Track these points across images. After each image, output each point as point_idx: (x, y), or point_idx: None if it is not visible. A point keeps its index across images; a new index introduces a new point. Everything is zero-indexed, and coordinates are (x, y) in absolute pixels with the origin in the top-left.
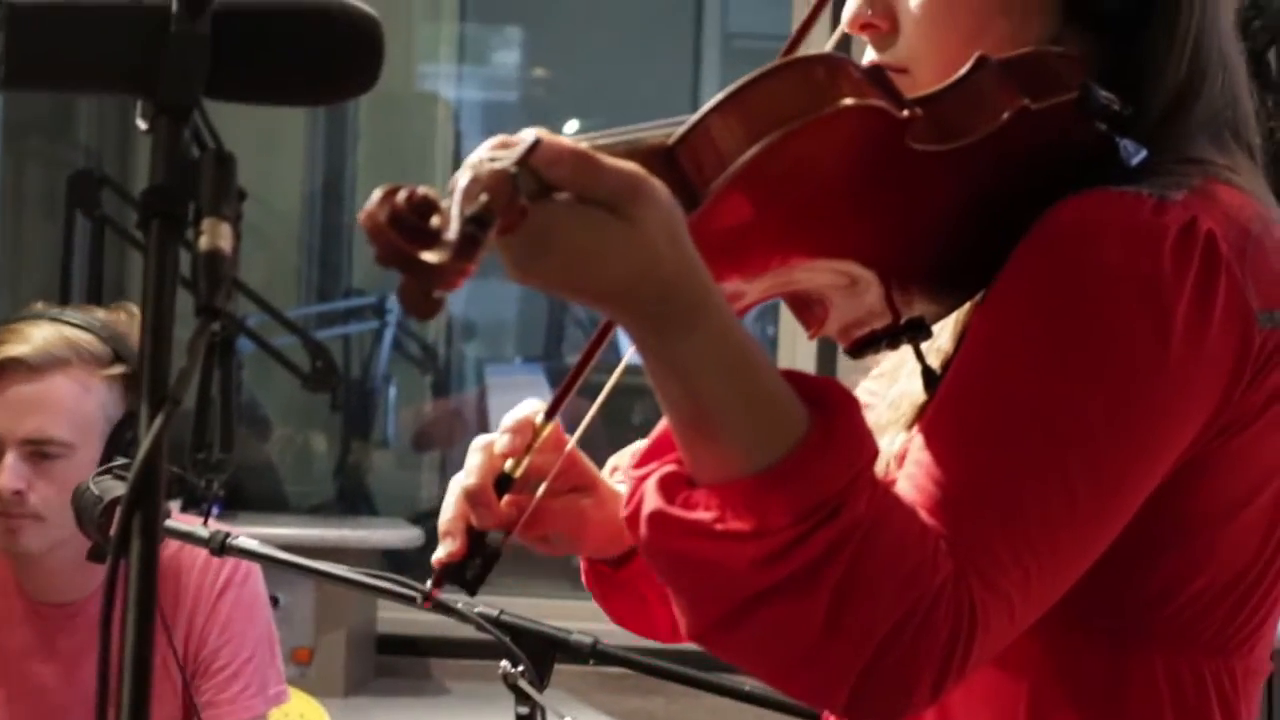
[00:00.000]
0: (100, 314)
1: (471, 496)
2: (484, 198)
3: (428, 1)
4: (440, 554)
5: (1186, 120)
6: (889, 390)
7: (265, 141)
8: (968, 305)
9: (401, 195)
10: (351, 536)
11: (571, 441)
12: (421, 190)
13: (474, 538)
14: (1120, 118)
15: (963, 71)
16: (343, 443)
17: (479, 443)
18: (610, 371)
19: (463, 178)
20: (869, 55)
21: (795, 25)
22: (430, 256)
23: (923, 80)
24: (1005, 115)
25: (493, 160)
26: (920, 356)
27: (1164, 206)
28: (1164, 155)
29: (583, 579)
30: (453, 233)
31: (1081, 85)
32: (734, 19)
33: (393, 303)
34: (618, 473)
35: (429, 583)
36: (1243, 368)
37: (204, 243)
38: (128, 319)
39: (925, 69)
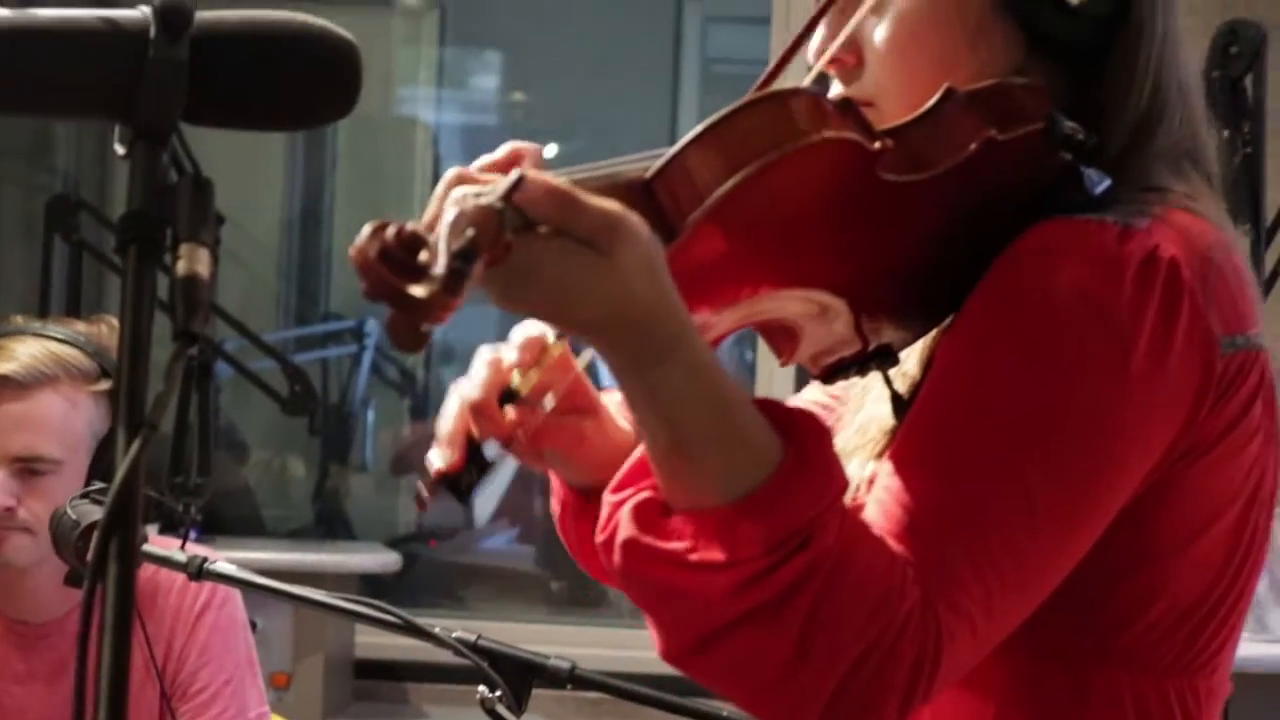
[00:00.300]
0: (81, 327)
1: (475, 408)
2: (470, 233)
3: (407, 26)
4: (438, 463)
5: (1147, 150)
6: (856, 415)
7: (244, 165)
8: (934, 332)
9: (390, 231)
10: (329, 561)
11: (580, 363)
12: (410, 226)
13: (471, 447)
14: (1084, 148)
15: (931, 103)
16: (321, 467)
17: (486, 354)
18: None
19: (448, 213)
20: (835, 89)
21: (774, 50)
22: (418, 290)
23: (889, 113)
24: (973, 146)
25: (478, 196)
26: (889, 383)
27: (1128, 234)
28: (1126, 184)
29: (557, 525)
30: (440, 267)
31: (1047, 116)
32: (713, 44)
33: (371, 327)
34: (614, 404)
35: (423, 487)
36: (1205, 393)
37: (181, 268)
38: (109, 331)
39: (891, 102)
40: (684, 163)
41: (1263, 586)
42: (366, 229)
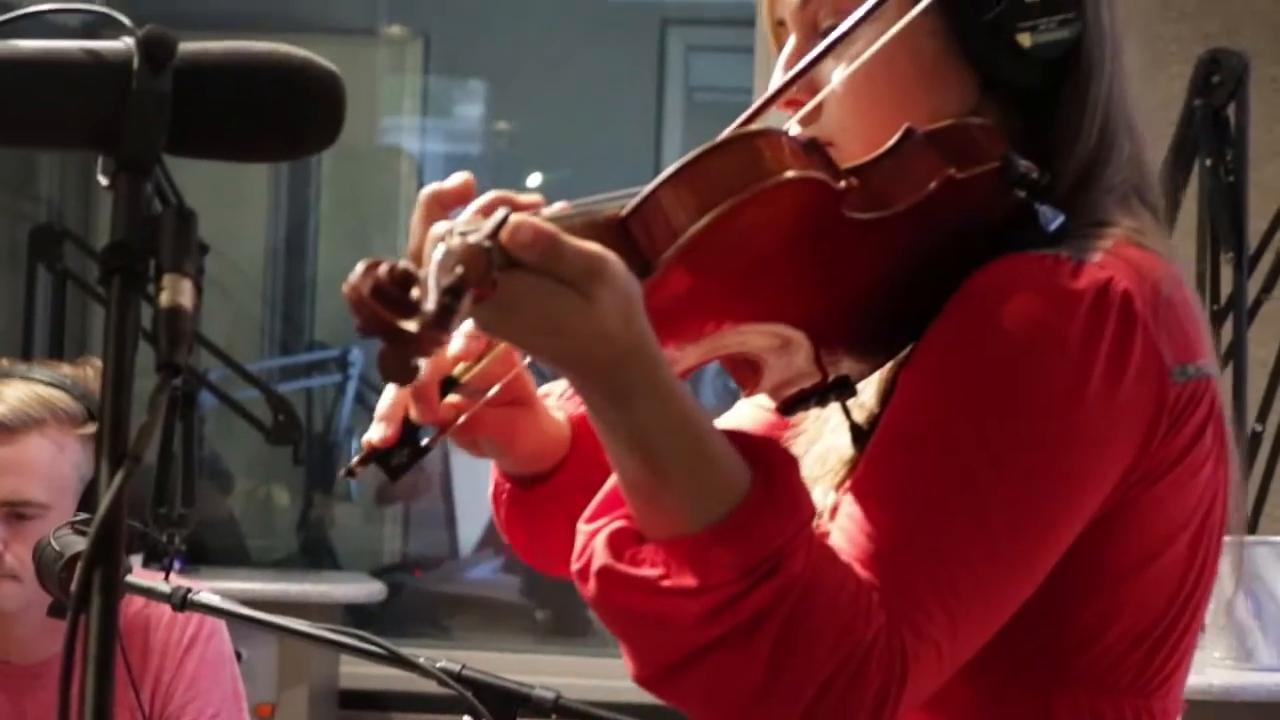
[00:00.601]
0: (67, 369)
1: (415, 391)
2: (459, 270)
3: (391, 55)
4: (373, 436)
5: (1097, 186)
6: (814, 445)
7: (228, 194)
8: (891, 363)
9: (383, 268)
10: (314, 591)
11: (524, 361)
12: (402, 264)
13: (408, 429)
14: (1038, 185)
15: (892, 142)
16: (305, 496)
17: None
18: None
19: (437, 250)
20: (793, 129)
21: (756, 79)
22: (410, 325)
23: (848, 153)
24: (933, 184)
25: (464, 234)
26: (848, 413)
27: (1081, 268)
28: (1077, 219)
29: (491, 503)
30: (431, 303)
31: (1003, 156)
32: (696, 73)
33: (355, 356)
34: (550, 397)
35: (354, 459)
36: (1158, 421)
37: (165, 299)
38: (94, 374)
39: (850, 141)
40: (658, 201)
41: (1248, 616)
42: (360, 266)
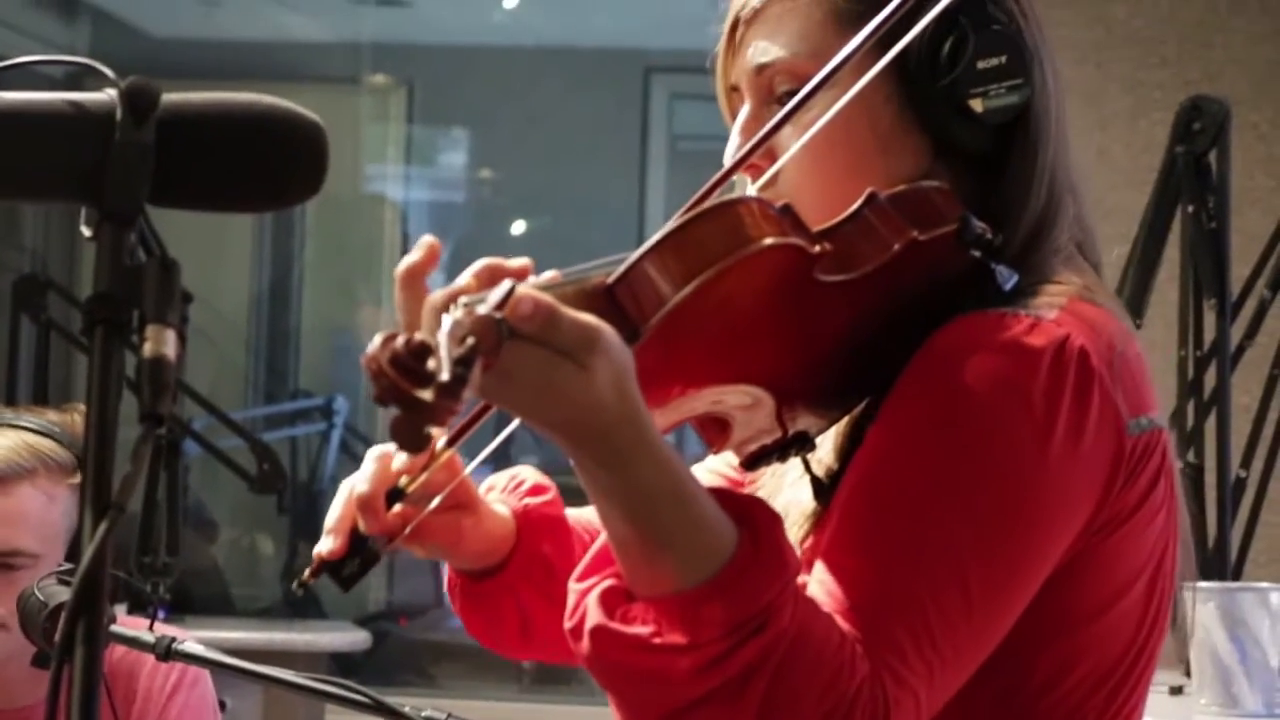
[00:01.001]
0: (53, 416)
1: (362, 503)
2: (471, 341)
3: (375, 104)
4: (322, 549)
5: (1045, 246)
6: (775, 499)
7: (212, 243)
8: (846, 418)
9: (400, 340)
10: (299, 640)
11: (468, 469)
12: (418, 337)
13: (356, 539)
14: (992, 245)
15: (856, 206)
16: (290, 545)
17: (376, 451)
18: None
19: (445, 321)
20: (750, 193)
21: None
22: (426, 394)
23: (805, 217)
24: (896, 246)
25: (469, 306)
26: (809, 467)
27: (1038, 325)
28: (1029, 278)
29: (446, 589)
30: (445, 374)
31: (960, 217)
32: (679, 121)
33: (340, 404)
34: (493, 491)
35: (305, 571)
36: (1117, 471)
37: (148, 350)
38: (81, 420)
39: (806, 206)
40: (644, 269)
41: (1234, 662)
42: (377, 338)
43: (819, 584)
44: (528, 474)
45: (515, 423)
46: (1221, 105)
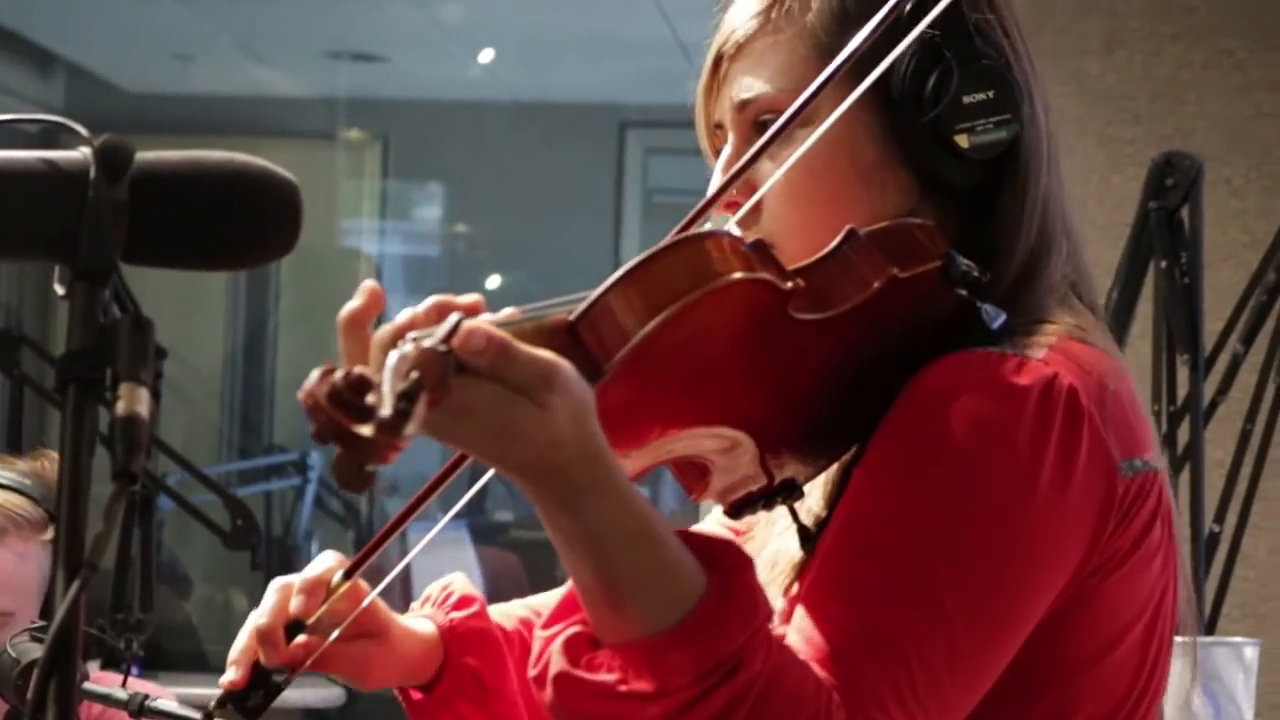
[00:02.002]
0: (22, 465)
1: (261, 636)
2: (414, 375)
3: (350, 159)
4: (224, 679)
5: (1037, 284)
6: (764, 549)
7: (186, 297)
8: (836, 465)
9: (339, 374)
10: None
11: (370, 596)
12: (358, 369)
13: (259, 671)
14: (979, 284)
15: (835, 243)
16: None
17: (278, 583)
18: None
19: (391, 356)
20: (734, 233)
21: (713, 182)
22: (365, 430)
23: (787, 254)
24: (876, 284)
25: (418, 339)
26: (795, 516)
27: (1025, 364)
28: (1019, 317)
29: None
30: (386, 409)
31: (945, 255)
32: (654, 176)
33: (314, 459)
34: (427, 604)
35: (213, 702)
36: (1109, 514)
37: (121, 408)
38: (50, 467)
39: (789, 243)
40: (607, 305)
41: (1207, 715)
42: (315, 372)
43: (797, 631)
44: (456, 585)
45: (489, 474)
46: (1194, 161)
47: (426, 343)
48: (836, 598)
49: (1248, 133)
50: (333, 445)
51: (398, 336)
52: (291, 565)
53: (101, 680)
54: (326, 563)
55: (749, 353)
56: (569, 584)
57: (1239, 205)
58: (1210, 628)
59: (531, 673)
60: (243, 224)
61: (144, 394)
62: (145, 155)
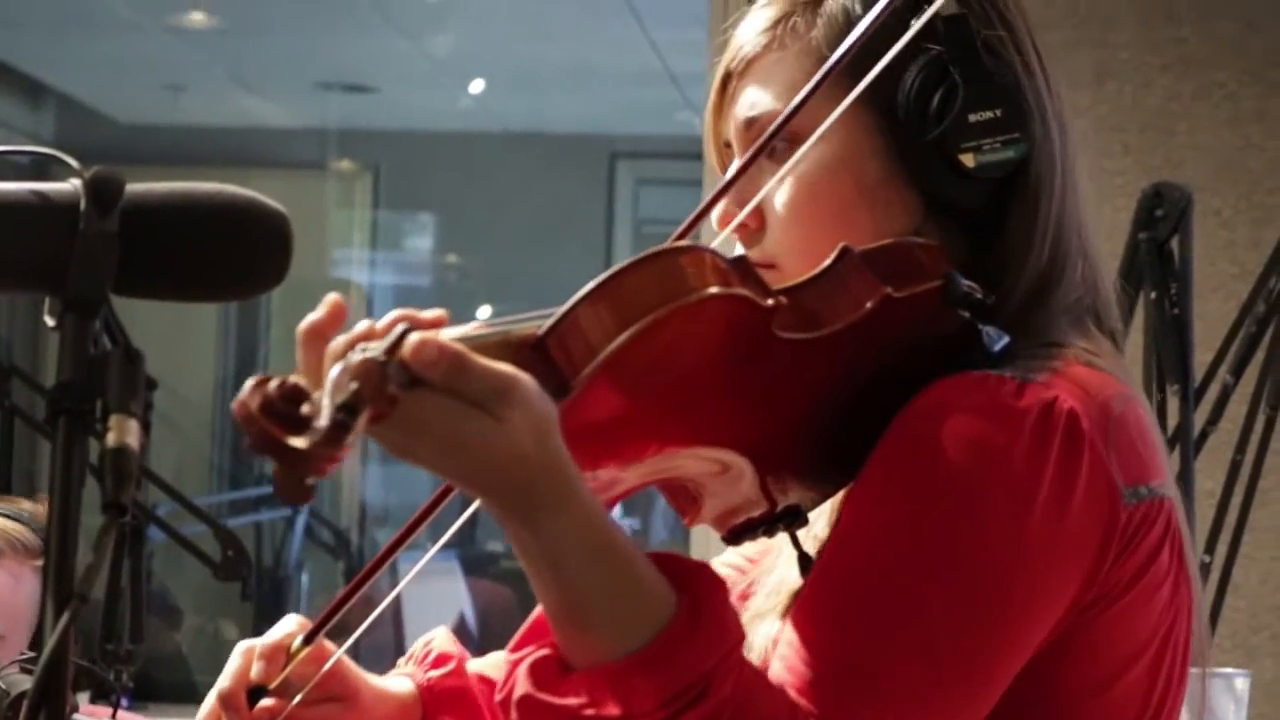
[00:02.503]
0: (27, 505)
1: (223, 699)
2: (353, 386)
3: (341, 189)
4: None
5: (1048, 306)
6: (768, 575)
7: (177, 328)
8: (843, 491)
9: (273, 384)
10: None
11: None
12: (292, 379)
13: None
14: (983, 306)
15: (828, 262)
16: (255, 631)
17: (241, 647)
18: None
19: (334, 368)
20: (739, 252)
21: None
22: (299, 442)
23: (791, 273)
24: (869, 304)
25: (364, 351)
26: (797, 543)
27: (1025, 387)
28: (1027, 340)
29: None
30: (323, 420)
31: (945, 275)
32: (645, 206)
33: None
34: (410, 662)
35: None
36: (1109, 543)
37: (111, 439)
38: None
39: (793, 262)
40: (576, 319)
41: None
42: (250, 382)
43: (780, 658)
44: (437, 642)
45: (474, 505)
46: (1183, 192)
47: (369, 353)
48: (820, 624)
49: (1237, 164)
50: (267, 459)
51: (349, 348)
52: (282, 596)
53: (91, 712)
54: (287, 627)
55: (732, 371)
56: (539, 607)
57: (1228, 236)
58: None
59: (498, 696)
60: (233, 256)
61: (134, 425)
62: (135, 187)
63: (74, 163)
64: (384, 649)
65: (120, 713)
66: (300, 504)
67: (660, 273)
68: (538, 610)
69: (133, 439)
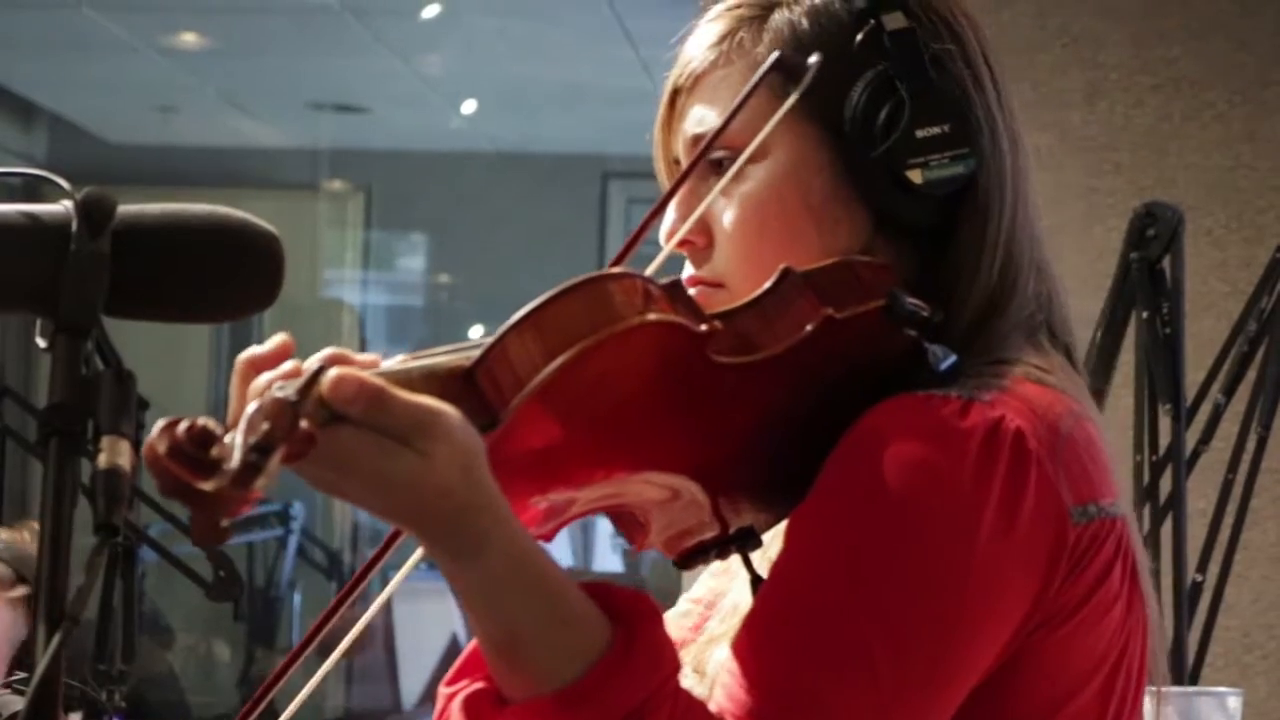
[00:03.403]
0: (3, 534)
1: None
2: (265, 426)
3: (333, 209)
4: None
5: (999, 323)
6: (723, 600)
7: (169, 348)
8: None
9: (181, 427)
10: None
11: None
12: (201, 421)
13: None
14: (930, 324)
15: (768, 284)
16: (247, 651)
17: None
18: None
19: (249, 406)
20: (688, 270)
21: None
22: (208, 485)
23: (739, 293)
24: (809, 326)
25: (279, 390)
26: (749, 566)
27: (970, 407)
28: (977, 357)
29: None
30: (234, 461)
31: (889, 294)
32: (636, 225)
33: (297, 510)
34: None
35: None
36: (1057, 563)
37: (103, 461)
38: (30, 538)
39: (740, 282)
40: (504, 350)
41: None
42: (159, 425)
43: (721, 686)
44: None
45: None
46: (1175, 211)
47: (280, 393)
48: (760, 652)
49: (1229, 183)
50: (178, 502)
51: (268, 388)
52: (274, 616)
53: None
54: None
55: (671, 397)
56: (474, 641)
57: (1220, 256)
58: (1194, 677)
59: None
60: (224, 277)
61: (126, 446)
62: (127, 208)
63: (65, 184)
64: (377, 669)
65: None
66: (215, 545)
67: (589, 300)
68: (473, 643)
69: (125, 460)
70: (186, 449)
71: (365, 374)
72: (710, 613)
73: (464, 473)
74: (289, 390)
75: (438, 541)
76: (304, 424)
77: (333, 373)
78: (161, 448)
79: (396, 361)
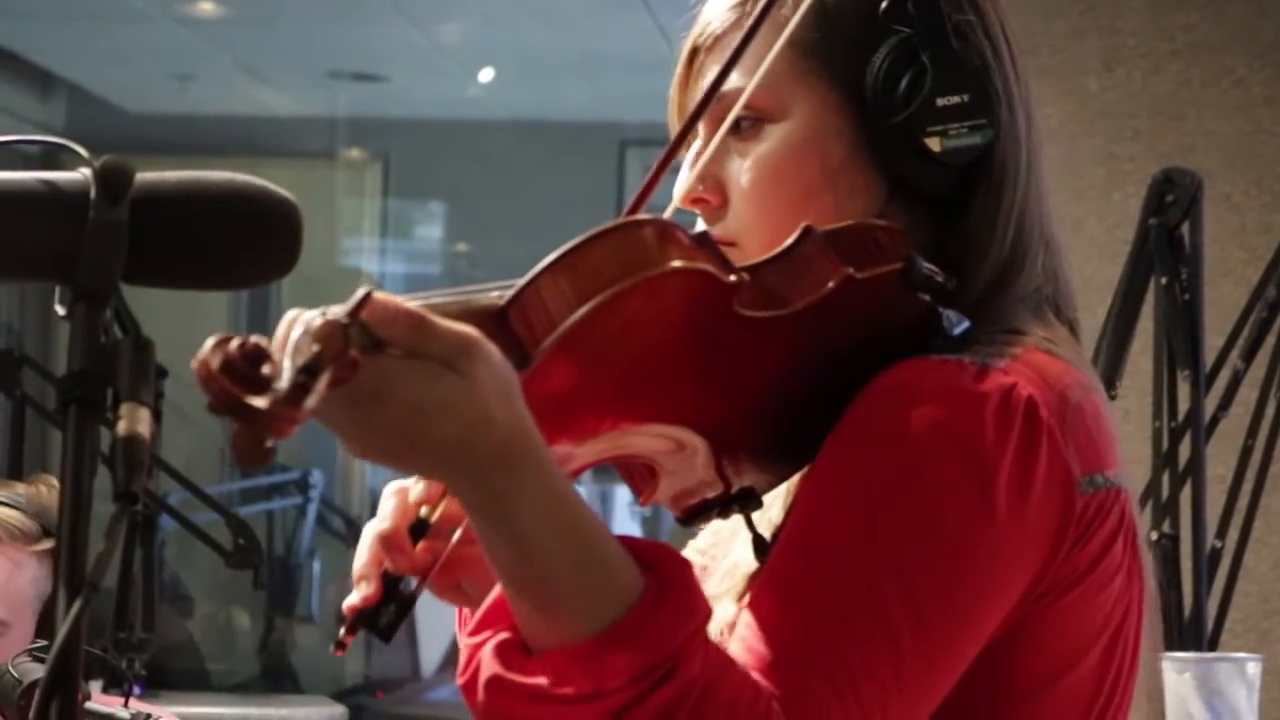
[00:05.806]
0: (21, 488)
1: (386, 541)
2: (315, 348)
3: (351, 178)
4: (354, 599)
5: (1009, 294)
6: (723, 559)
7: (187, 316)
8: (798, 475)
9: (234, 343)
10: (275, 715)
11: None
12: (254, 339)
13: (389, 583)
14: (944, 290)
15: (789, 241)
16: (266, 619)
17: (392, 487)
18: None
19: (295, 330)
20: (700, 228)
21: None
22: (260, 402)
23: (751, 253)
24: (831, 284)
25: (324, 313)
26: (751, 525)
27: (985, 373)
28: (987, 326)
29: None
30: (284, 381)
31: (905, 257)
32: (655, 194)
33: (316, 478)
34: None
35: (342, 630)
36: (1065, 532)
37: (122, 428)
38: (48, 491)
39: (753, 242)
40: (537, 290)
41: None
42: (210, 341)
43: (739, 640)
44: None
45: None
46: (1194, 177)
47: (330, 316)
48: (779, 606)
49: (1247, 149)
50: (228, 419)
51: (301, 317)
52: (294, 584)
53: (104, 701)
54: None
55: (692, 348)
56: (495, 590)
57: (1239, 221)
58: (1213, 643)
59: (461, 680)
60: (243, 244)
61: (145, 414)
62: (145, 176)
63: (84, 152)
64: (396, 637)
65: (132, 701)
66: (258, 464)
67: (623, 245)
68: (493, 594)
69: (144, 427)
70: (239, 365)
71: (404, 301)
72: (705, 571)
73: (505, 399)
74: (338, 313)
75: (476, 474)
76: (351, 348)
77: (375, 297)
78: (215, 363)
79: (430, 294)
